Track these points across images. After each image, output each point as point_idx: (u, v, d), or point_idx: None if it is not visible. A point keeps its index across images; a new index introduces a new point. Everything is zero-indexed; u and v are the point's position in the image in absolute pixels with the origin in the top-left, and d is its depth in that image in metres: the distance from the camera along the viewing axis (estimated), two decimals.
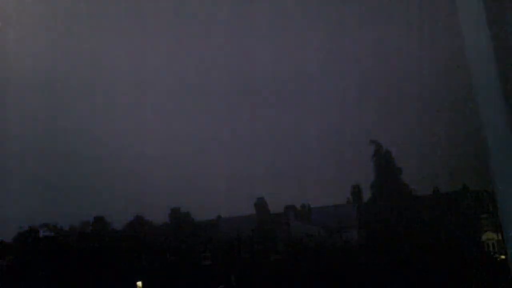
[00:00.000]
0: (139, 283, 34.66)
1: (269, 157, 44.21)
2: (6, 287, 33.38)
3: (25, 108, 43.55)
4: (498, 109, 1.68)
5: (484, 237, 33.47)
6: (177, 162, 45.80)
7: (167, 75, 44.55)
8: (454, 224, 32.33)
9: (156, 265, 36.47)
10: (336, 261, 26.96)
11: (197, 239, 36.88)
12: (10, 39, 39.23)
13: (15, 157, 42.19)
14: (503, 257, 26.89)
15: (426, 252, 26.02)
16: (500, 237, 32.16)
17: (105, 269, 32.41)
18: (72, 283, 31.28)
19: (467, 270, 25.74)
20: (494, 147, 1.68)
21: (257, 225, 37.45)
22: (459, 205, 35.75)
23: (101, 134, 43.84)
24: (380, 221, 27.52)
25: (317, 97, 42.36)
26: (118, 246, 34.53)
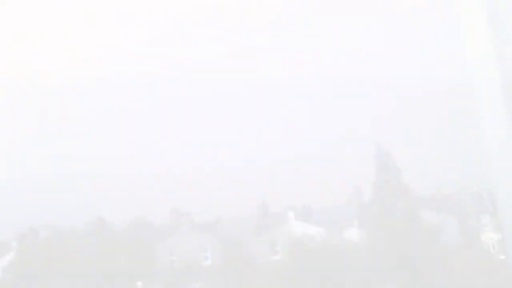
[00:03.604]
0: (139, 283, 34.68)
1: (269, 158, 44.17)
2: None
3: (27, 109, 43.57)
4: (498, 110, 1.69)
5: (483, 237, 33.48)
6: (177, 163, 45.72)
7: (168, 75, 44.49)
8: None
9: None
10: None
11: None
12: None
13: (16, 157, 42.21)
14: (503, 257, 26.91)
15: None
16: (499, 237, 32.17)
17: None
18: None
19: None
20: (494, 148, 1.70)
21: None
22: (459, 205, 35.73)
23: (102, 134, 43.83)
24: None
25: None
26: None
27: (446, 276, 26.62)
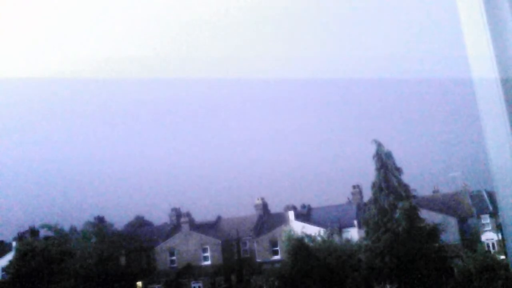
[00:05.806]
0: (139, 283, 34.71)
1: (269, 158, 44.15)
2: None
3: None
4: (498, 109, 1.69)
5: (483, 237, 33.52)
6: (178, 164, 45.69)
7: (168, 75, 44.52)
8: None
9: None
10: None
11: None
12: None
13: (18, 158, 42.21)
14: (503, 257, 26.92)
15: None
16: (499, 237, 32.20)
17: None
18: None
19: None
20: (494, 147, 1.70)
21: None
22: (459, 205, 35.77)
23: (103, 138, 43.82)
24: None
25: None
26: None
27: (446, 276, 26.65)
